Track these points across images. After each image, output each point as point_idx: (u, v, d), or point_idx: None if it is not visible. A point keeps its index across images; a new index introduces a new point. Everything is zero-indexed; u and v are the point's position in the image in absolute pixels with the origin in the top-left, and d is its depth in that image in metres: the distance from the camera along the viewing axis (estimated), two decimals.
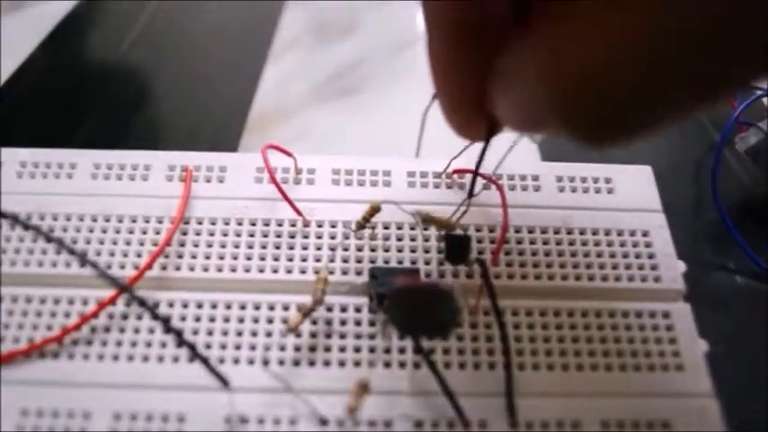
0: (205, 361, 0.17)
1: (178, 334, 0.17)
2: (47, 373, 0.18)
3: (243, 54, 0.37)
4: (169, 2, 0.42)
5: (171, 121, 0.34)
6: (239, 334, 0.19)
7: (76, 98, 0.35)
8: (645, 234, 0.22)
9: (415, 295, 0.16)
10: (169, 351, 0.19)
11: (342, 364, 0.19)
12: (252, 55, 0.36)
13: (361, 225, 0.20)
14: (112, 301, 0.19)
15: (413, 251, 0.21)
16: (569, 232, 0.22)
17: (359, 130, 0.30)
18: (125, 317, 0.19)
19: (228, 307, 0.20)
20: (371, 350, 0.19)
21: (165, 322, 0.17)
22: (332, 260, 0.21)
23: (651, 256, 0.21)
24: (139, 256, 0.21)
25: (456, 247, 0.19)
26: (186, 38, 0.39)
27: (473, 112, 0.16)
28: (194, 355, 0.18)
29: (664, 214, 0.22)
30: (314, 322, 0.19)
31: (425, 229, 0.21)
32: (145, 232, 0.21)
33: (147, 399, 0.18)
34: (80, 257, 0.17)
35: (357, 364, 0.19)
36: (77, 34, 0.39)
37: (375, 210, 0.20)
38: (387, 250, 0.21)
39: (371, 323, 0.19)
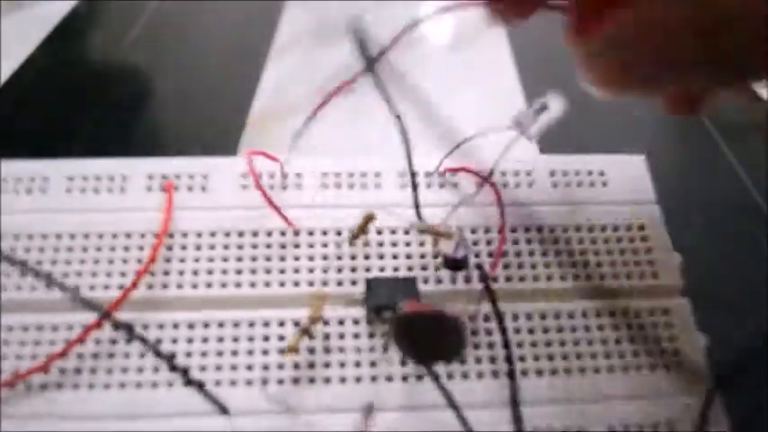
0: (201, 386, 0.17)
1: (170, 359, 0.16)
2: (34, 407, 0.18)
3: (243, 54, 0.37)
4: (169, 2, 0.42)
5: (171, 121, 0.33)
6: (235, 353, 0.19)
7: (76, 98, 0.34)
8: (641, 227, 0.22)
9: (422, 322, 0.15)
10: (163, 376, 0.18)
11: (342, 380, 0.18)
12: (252, 55, 0.36)
13: (356, 236, 0.19)
14: (98, 326, 0.18)
15: (408, 257, 0.20)
16: (565, 230, 0.21)
17: (358, 130, 0.29)
18: (114, 341, 0.19)
19: (221, 326, 0.19)
20: (372, 365, 0.19)
21: (156, 350, 0.16)
22: (325, 271, 0.20)
23: (648, 250, 0.21)
24: (124, 275, 0.20)
25: (455, 259, 0.18)
26: (186, 38, 0.39)
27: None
28: (188, 381, 0.17)
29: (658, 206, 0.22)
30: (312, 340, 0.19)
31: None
32: (128, 249, 0.20)
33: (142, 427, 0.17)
34: (53, 282, 0.16)
35: (358, 380, 0.18)
36: (77, 34, 0.39)
37: (369, 219, 0.19)
38: (381, 257, 0.20)
39: (371, 335, 0.19)
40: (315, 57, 0.36)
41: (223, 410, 0.17)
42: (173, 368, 0.17)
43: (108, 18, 0.41)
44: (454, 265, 0.18)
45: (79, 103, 0.33)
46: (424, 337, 0.15)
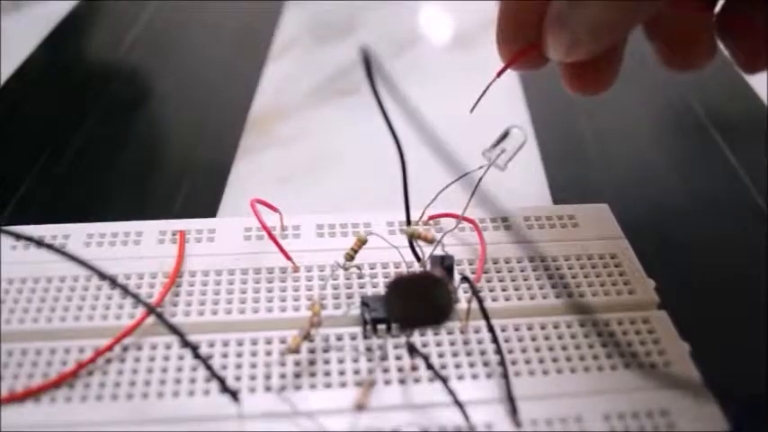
0: (209, 367, 0.18)
1: (194, 348, 0.17)
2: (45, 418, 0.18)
3: (243, 54, 0.38)
4: (169, 2, 0.43)
5: (171, 121, 0.34)
6: (239, 367, 0.19)
7: (76, 98, 0.34)
8: (613, 257, 0.23)
9: (410, 285, 0.17)
10: (169, 387, 0.19)
11: (343, 384, 0.19)
12: (252, 55, 0.37)
13: (351, 256, 0.21)
14: (131, 332, 0.20)
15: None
16: (543, 259, 0.23)
17: (358, 130, 0.30)
18: (122, 360, 0.20)
19: (226, 345, 0.20)
20: (370, 370, 0.19)
21: (181, 335, 0.17)
22: (323, 298, 0.21)
23: (622, 274, 0.23)
24: (136, 307, 0.21)
25: (441, 257, 0.20)
26: (186, 38, 0.40)
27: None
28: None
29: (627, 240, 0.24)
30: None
31: (412, 246, 0.22)
32: (140, 287, 0.22)
33: None
34: (109, 279, 0.18)
35: (358, 384, 0.19)
36: (77, 34, 0.40)
37: (362, 242, 0.21)
38: (375, 286, 0.22)
39: (368, 348, 0.20)
40: (315, 57, 0.37)
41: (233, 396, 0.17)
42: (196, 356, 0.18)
43: (108, 18, 0.42)
44: (441, 262, 0.20)
45: (79, 103, 0.34)
46: (414, 299, 0.17)
